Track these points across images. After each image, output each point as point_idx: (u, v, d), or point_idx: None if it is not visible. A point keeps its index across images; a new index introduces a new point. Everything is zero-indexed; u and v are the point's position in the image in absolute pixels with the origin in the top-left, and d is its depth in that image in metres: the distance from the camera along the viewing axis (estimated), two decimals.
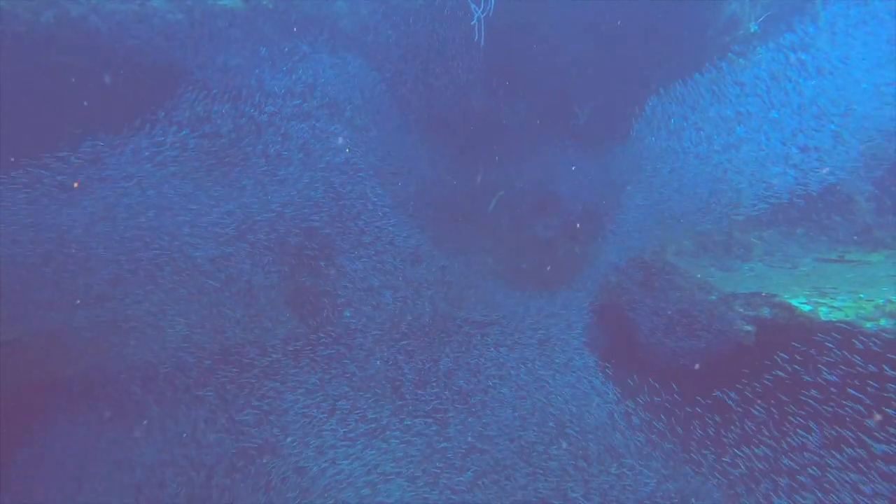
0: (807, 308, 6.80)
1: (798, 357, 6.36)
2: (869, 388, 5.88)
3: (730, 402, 6.80)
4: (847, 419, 5.98)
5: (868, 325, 6.32)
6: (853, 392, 5.93)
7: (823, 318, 6.56)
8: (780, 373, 6.46)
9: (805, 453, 6.19)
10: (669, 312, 7.90)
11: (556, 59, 10.06)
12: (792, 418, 6.37)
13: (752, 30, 9.18)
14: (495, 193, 9.85)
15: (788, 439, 6.30)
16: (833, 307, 6.65)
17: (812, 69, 8.13)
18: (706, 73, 8.23)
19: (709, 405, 6.98)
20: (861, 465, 5.83)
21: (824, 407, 6.11)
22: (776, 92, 8.23)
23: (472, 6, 8.16)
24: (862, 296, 6.68)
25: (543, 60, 9.97)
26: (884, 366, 5.86)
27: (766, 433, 6.50)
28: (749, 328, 7.09)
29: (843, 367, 6.08)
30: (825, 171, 7.95)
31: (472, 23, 8.04)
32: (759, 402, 6.61)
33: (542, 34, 9.87)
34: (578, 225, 9.74)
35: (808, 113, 8.14)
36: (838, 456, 5.95)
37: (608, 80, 9.84)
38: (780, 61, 8.23)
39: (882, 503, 5.69)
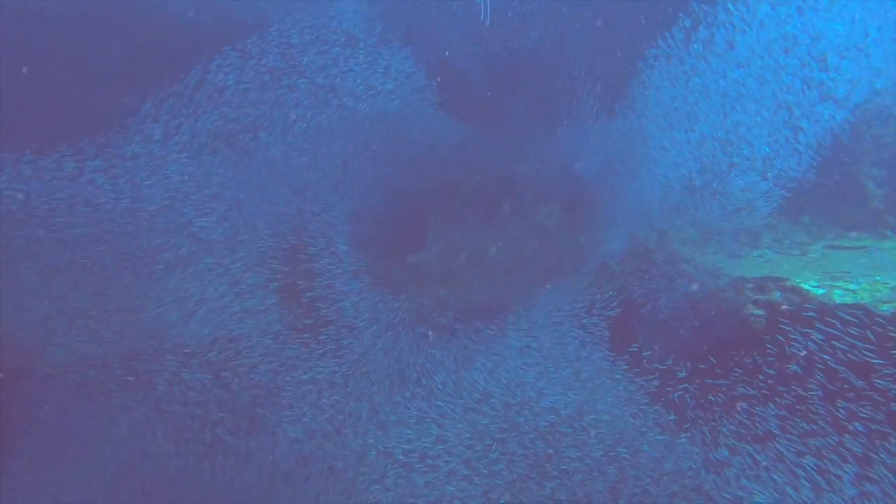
0: (820, 291, 6.59)
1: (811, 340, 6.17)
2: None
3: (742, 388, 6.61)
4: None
5: (885, 307, 6.11)
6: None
7: (838, 301, 6.35)
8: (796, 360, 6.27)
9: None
10: (676, 298, 7.70)
11: (560, 46, 9.93)
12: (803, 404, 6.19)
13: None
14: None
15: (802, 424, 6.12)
16: (848, 290, 6.44)
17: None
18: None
19: (719, 390, 6.79)
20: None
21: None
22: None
23: None
24: (878, 278, 6.48)
25: (547, 46, 9.84)
26: None
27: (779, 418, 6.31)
28: (759, 312, 6.88)
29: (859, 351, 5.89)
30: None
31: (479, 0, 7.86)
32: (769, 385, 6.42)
33: (545, 23, 9.74)
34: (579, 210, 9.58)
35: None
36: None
37: (611, 64, 9.68)
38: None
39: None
